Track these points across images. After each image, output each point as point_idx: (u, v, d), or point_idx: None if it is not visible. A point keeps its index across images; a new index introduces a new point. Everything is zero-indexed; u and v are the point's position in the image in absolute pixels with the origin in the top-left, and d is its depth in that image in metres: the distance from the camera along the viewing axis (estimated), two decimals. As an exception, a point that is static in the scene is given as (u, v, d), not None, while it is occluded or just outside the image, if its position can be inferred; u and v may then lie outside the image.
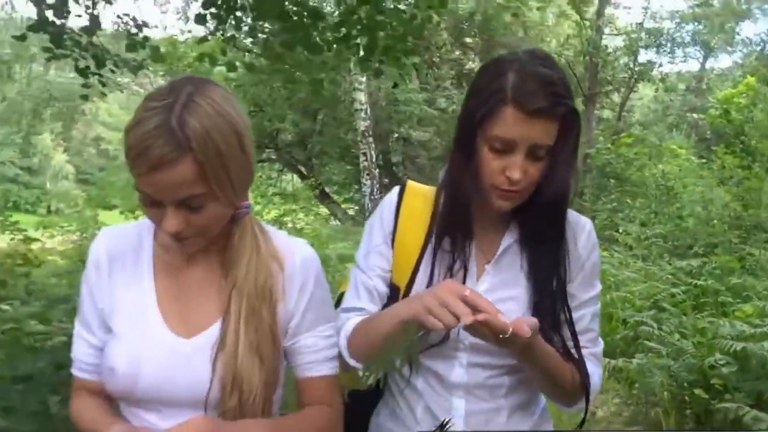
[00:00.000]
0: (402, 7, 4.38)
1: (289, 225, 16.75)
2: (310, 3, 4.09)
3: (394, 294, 1.43)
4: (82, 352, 1.34)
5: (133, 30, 4.37)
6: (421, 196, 1.46)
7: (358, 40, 4.10)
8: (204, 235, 1.23)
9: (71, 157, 40.84)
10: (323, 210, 18.47)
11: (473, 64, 20.40)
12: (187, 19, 16.27)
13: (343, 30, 3.97)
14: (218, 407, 1.23)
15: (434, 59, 18.01)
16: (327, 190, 18.56)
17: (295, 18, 3.64)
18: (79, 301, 1.35)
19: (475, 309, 1.14)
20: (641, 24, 17.84)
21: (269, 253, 1.29)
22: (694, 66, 26.59)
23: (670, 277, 7.94)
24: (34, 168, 40.42)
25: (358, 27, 3.97)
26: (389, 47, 4.24)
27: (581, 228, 1.43)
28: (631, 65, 17.50)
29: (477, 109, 1.29)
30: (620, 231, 10.09)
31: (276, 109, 15.16)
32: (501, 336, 1.15)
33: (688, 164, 12.04)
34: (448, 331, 1.22)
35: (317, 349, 1.34)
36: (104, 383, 1.28)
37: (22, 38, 4.10)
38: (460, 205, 1.36)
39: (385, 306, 1.43)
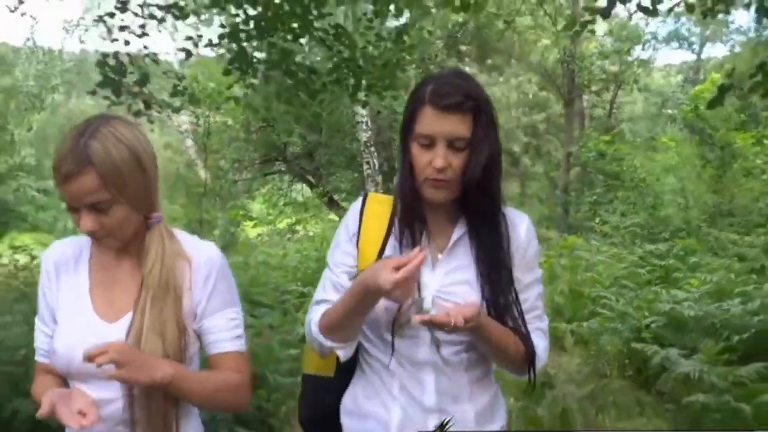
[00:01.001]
0: (379, 51, 5.74)
1: (302, 232, 17.67)
2: (307, 61, 5.47)
3: None
4: (40, 341, 1.59)
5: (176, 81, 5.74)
6: (381, 203, 1.66)
7: (348, 82, 5.49)
8: (115, 236, 1.47)
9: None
10: (333, 217, 19.24)
11: (469, 71, 21.19)
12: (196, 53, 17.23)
13: (335, 75, 5.36)
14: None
15: (429, 68, 18.89)
16: (335, 197, 18.99)
17: (299, 74, 5.06)
18: (38, 302, 1.60)
19: (406, 272, 1.35)
20: (624, 25, 18.78)
21: (175, 253, 1.52)
22: (692, 57, 27.48)
23: (638, 259, 9.02)
24: (50, 190, 41.72)
25: (346, 73, 5.37)
26: (371, 85, 5.71)
27: (520, 221, 1.62)
28: (616, 65, 18.45)
29: (407, 116, 1.52)
30: (597, 221, 11.16)
31: (283, 124, 16.12)
32: (446, 329, 1.38)
33: (678, 157, 12.99)
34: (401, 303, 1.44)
35: (221, 329, 1.54)
36: (52, 363, 1.53)
37: (92, 93, 5.47)
38: (410, 200, 1.55)
39: None
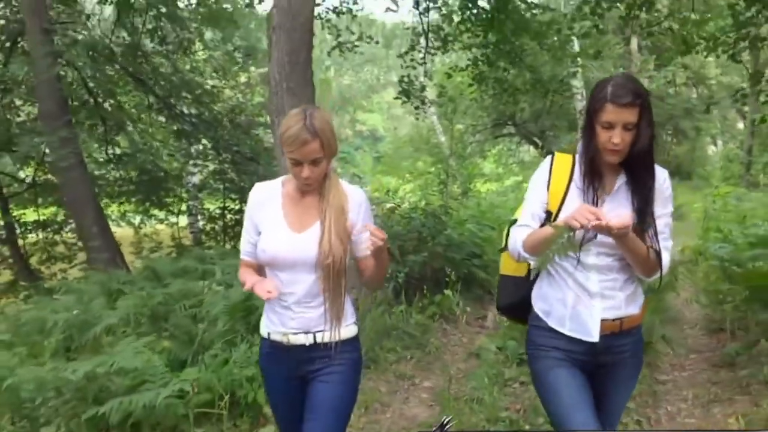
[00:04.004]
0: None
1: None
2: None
3: (548, 216, 2.44)
4: (245, 244, 2.53)
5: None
6: (564, 159, 2.48)
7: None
8: (317, 181, 2.36)
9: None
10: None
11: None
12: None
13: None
14: (321, 266, 2.34)
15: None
16: (557, 157, 21.89)
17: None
18: (245, 224, 2.53)
19: (597, 217, 2.12)
20: None
21: (342, 190, 2.42)
22: None
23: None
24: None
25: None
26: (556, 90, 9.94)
27: (661, 173, 2.42)
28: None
29: (593, 107, 2.30)
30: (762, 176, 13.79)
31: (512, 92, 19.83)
32: (615, 232, 2.15)
33: None
34: (583, 228, 2.15)
35: (365, 240, 2.32)
36: (259, 258, 2.45)
37: (396, 98, 10.22)
38: (594, 162, 2.35)
39: (541, 225, 2.43)
